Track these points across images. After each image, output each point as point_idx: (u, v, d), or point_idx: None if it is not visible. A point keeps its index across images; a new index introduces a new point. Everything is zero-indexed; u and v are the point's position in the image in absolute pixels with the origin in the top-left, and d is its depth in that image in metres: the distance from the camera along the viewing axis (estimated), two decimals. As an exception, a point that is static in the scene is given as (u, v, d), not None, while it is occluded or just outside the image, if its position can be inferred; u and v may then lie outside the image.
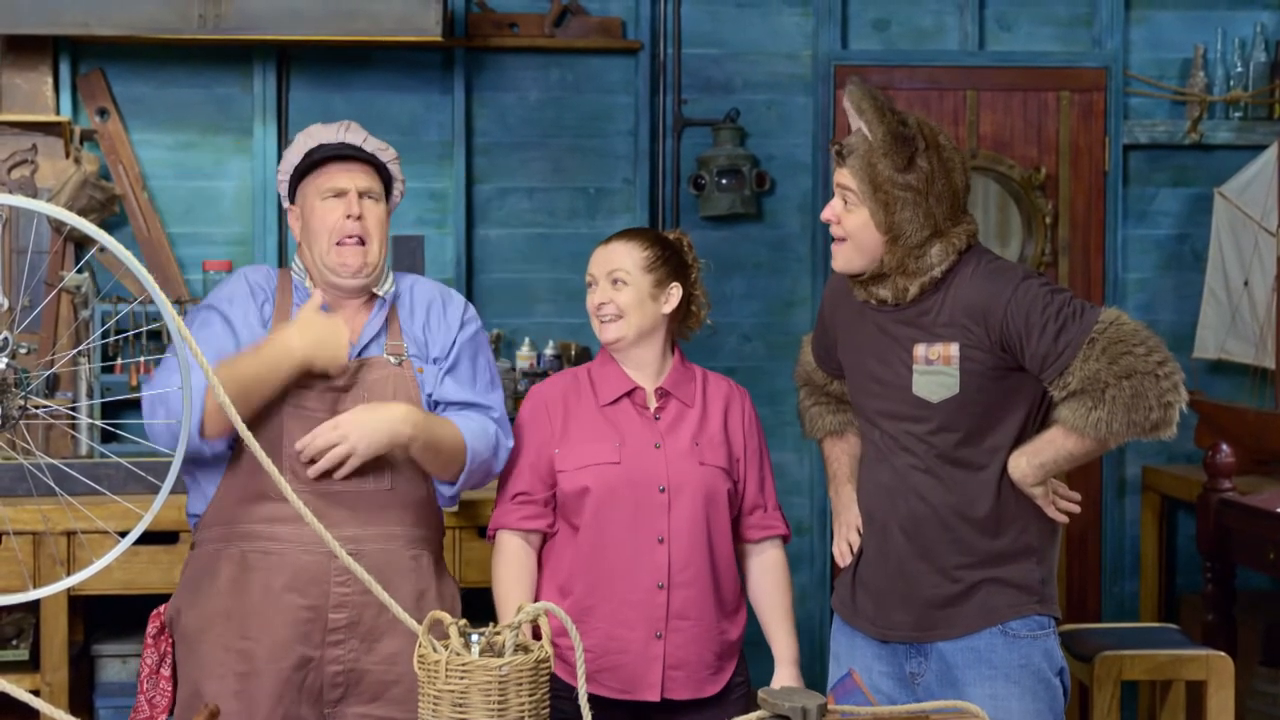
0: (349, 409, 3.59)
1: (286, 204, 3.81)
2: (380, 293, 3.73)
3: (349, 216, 3.63)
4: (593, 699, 3.56)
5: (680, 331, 3.93)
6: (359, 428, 3.51)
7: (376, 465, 3.61)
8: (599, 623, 3.69)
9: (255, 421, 3.52)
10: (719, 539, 3.76)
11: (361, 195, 3.67)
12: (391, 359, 3.68)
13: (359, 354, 3.67)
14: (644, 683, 3.70)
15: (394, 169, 3.79)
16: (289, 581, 3.55)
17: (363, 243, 3.65)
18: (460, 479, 3.71)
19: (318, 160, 3.69)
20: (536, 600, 3.75)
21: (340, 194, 3.66)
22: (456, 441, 3.66)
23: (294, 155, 3.74)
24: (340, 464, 3.54)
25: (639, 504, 3.71)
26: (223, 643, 3.56)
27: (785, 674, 3.82)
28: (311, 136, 3.73)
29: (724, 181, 6.14)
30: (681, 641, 3.71)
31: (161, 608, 3.73)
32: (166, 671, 3.69)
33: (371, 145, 3.73)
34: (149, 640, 3.72)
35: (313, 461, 3.55)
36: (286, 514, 3.49)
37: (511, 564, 3.78)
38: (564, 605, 3.66)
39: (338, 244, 3.64)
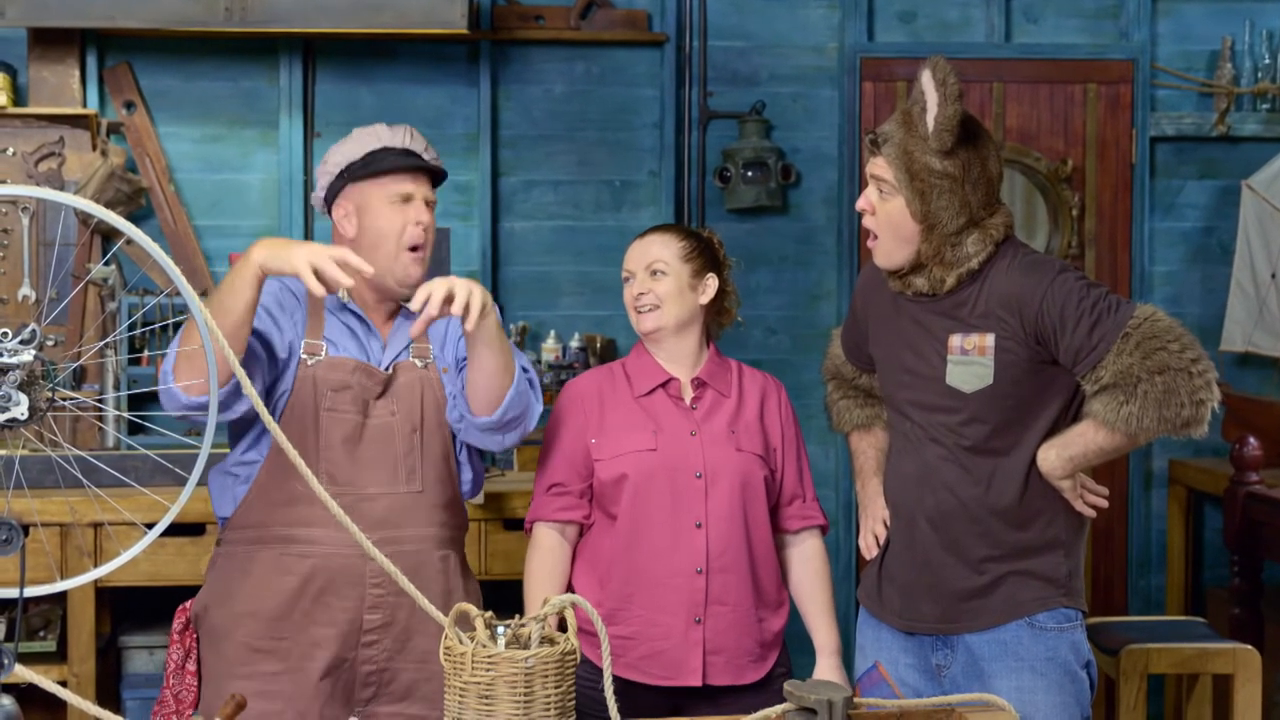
0: (380, 412, 3.61)
1: (319, 195, 3.77)
2: (407, 304, 3.74)
3: (418, 224, 3.64)
4: (635, 686, 3.58)
5: (712, 328, 3.94)
6: (464, 281, 3.42)
7: (410, 466, 3.62)
8: (639, 610, 3.70)
9: (289, 425, 3.52)
10: (756, 525, 3.77)
11: (427, 204, 3.69)
12: (418, 362, 3.69)
13: (390, 363, 3.67)
14: (685, 668, 3.70)
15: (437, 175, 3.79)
16: (326, 584, 3.55)
17: (421, 249, 3.67)
18: (505, 401, 3.55)
19: (385, 166, 3.66)
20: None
21: (408, 199, 3.66)
22: (510, 351, 3.58)
23: (352, 149, 3.70)
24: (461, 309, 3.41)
25: (676, 490, 3.72)
26: (250, 642, 3.56)
27: (826, 664, 3.83)
28: (377, 137, 3.70)
29: (749, 174, 6.13)
30: (721, 627, 3.72)
31: (188, 603, 3.72)
32: (192, 667, 3.69)
33: (429, 155, 3.73)
34: (174, 635, 3.71)
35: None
36: (323, 517, 3.48)
37: (545, 558, 3.79)
38: (602, 596, 3.67)
39: (409, 251, 3.64)
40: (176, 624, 3.71)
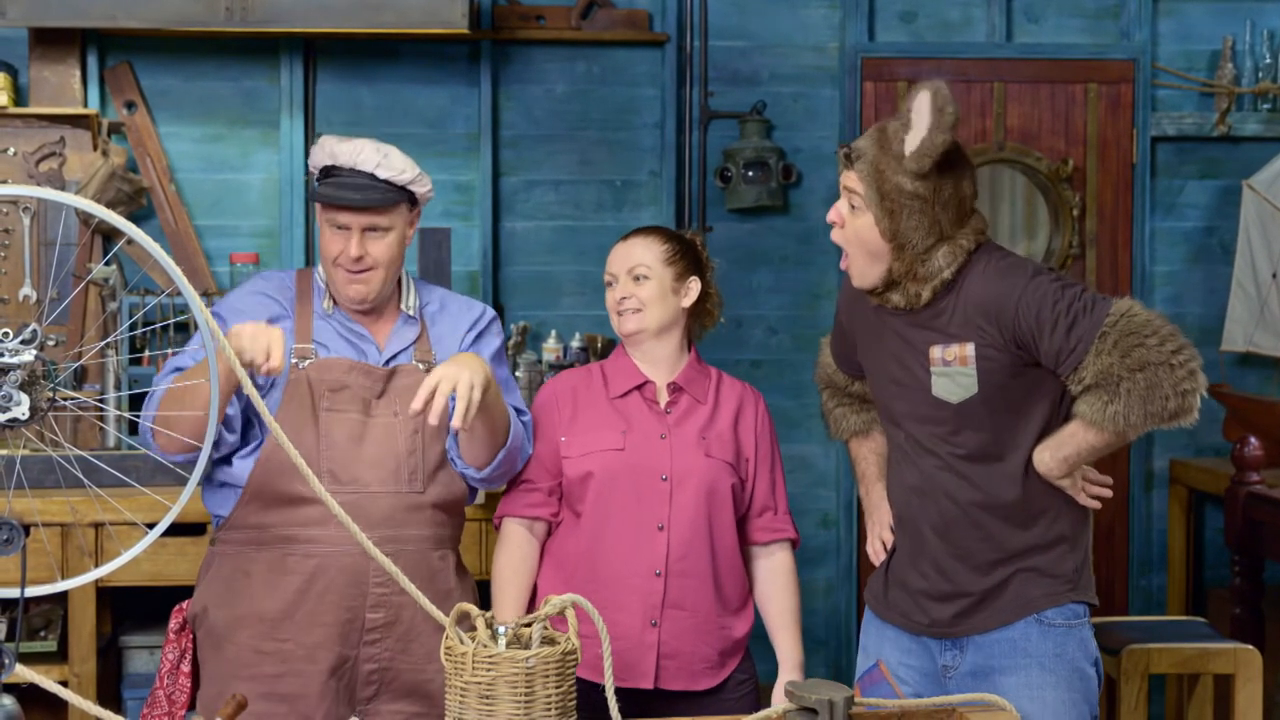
0: (381, 412, 3.62)
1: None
2: (405, 309, 3.75)
3: (352, 258, 3.62)
4: (587, 684, 3.59)
5: (694, 330, 3.94)
6: (461, 365, 3.44)
7: (411, 468, 3.62)
8: (596, 608, 3.69)
9: (285, 426, 3.52)
10: (720, 532, 3.78)
11: (366, 230, 3.63)
12: (420, 365, 3.69)
13: (388, 362, 3.68)
14: (637, 670, 3.72)
15: (415, 188, 3.70)
16: (329, 584, 3.56)
17: (364, 271, 3.64)
18: (497, 459, 3.65)
19: (322, 196, 3.63)
20: (534, 590, 3.78)
21: (344, 227, 3.63)
22: (506, 414, 3.66)
23: (316, 160, 3.70)
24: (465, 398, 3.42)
25: (640, 491, 3.74)
26: (254, 644, 3.57)
27: (788, 678, 3.83)
28: (327, 153, 3.66)
29: (750, 174, 6.13)
30: (677, 631, 3.73)
31: (184, 603, 3.73)
32: (186, 668, 3.69)
33: (384, 171, 3.63)
34: (170, 635, 3.72)
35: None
36: (324, 517, 3.51)
37: (512, 554, 3.81)
38: (565, 593, 3.67)
39: (343, 270, 3.64)
40: (173, 624, 3.72)
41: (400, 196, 3.67)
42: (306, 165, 3.82)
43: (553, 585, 3.74)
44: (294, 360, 3.60)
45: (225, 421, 3.55)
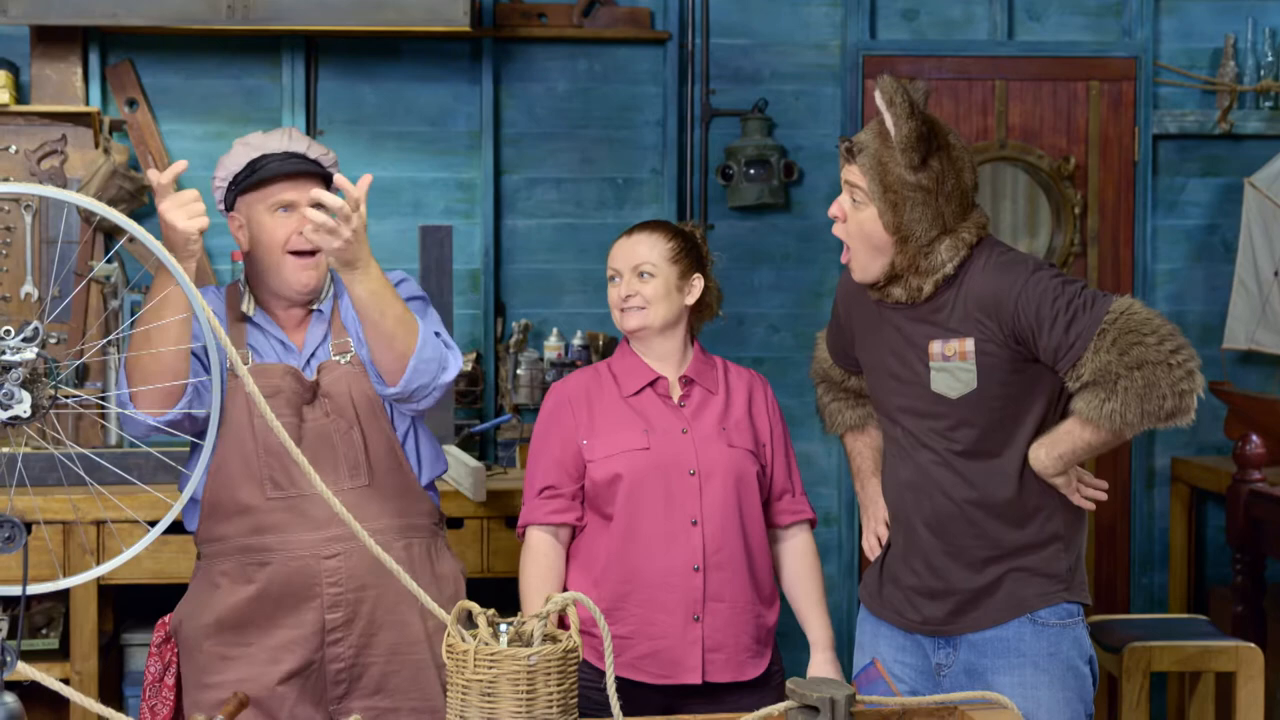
0: (314, 415, 3.62)
1: (220, 207, 3.76)
2: (316, 304, 3.73)
3: (301, 232, 3.58)
4: (635, 685, 3.58)
5: (694, 325, 3.93)
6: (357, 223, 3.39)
7: (352, 462, 3.62)
8: (635, 609, 3.69)
9: (227, 436, 3.58)
10: (751, 521, 3.77)
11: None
12: (340, 359, 3.67)
13: (308, 361, 3.68)
14: (684, 666, 3.70)
15: (335, 173, 3.69)
16: (284, 588, 3.57)
17: (313, 254, 3.63)
18: (409, 368, 3.51)
19: (263, 176, 3.63)
20: None
21: (290, 207, 3.62)
22: (410, 317, 3.53)
23: (233, 163, 3.70)
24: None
25: (670, 488, 3.72)
26: (219, 651, 3.59)
27: (822, 658, 3.83)
28: (253, 147, 3.68)
29: (752, 172, 6.13)
30: (719, 624, 3.72)
31: (167, 617, 3.75)
32: (170, 680, 3.71)
33: (315, 152, 3.68)
34: (153, 649, 3.74)
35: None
36: (270, 523, 3.57)
37: (539, 561, 3.79)
38: (597, 596, 3.66)
39: (292, 256, 3.61)
40: (156, 637, 3.74)
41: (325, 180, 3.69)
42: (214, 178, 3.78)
43: (583, 589, 3.70)
44: (230, 366, 3.58)
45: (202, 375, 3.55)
